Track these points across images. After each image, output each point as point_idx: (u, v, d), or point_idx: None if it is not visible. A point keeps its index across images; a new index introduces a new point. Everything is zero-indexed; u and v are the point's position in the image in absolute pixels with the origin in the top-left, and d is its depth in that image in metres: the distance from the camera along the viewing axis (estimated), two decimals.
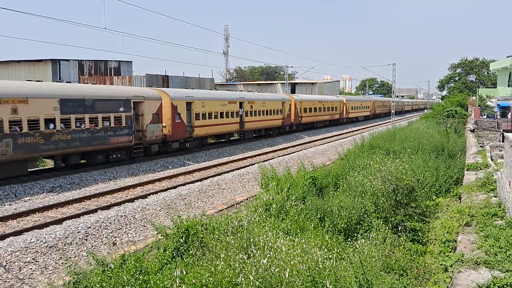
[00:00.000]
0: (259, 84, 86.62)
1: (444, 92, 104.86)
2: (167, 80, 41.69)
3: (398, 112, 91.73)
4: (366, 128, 58.58)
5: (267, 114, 39.14)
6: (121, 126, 23.39)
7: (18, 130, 18.78)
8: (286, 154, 32.06)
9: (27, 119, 18.97)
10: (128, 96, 23.93)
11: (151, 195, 18.65)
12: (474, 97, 53.53)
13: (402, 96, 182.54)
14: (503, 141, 19.06)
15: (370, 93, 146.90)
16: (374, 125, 62.82)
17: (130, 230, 14.93)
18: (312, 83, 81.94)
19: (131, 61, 55.01)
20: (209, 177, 22.82)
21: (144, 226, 15.33)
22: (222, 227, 9.91)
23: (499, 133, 32.50)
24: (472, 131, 33.00)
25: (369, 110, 75.63)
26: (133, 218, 15.70)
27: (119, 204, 17.20)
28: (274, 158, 30.13)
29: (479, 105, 44.83)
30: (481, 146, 25.45)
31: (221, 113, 32.70)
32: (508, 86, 60.00)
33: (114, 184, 21.05)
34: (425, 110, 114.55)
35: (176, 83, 42.57)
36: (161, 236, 10.43)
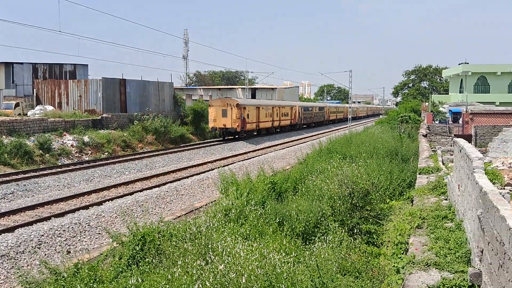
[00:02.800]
0: (219, 88, 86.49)
1: (399, 98, 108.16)
2: (124, 84, 40.90)
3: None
4: (325, 133, 59.59)
5: (284, 115, 53.90)
6: None
7: None
8: (247, 159, 32.12)
9: None
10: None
11: (107, 202, 18.20)
12: (427, 103, 55.43)
13: (359, 102, 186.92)
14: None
15: (328, 98, 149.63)
16: (333, 130, 63.97)
17: (84, 238, 14.53)
18: (272, 89, 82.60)
19: (87, 65, 53.69)
20: (167, 182, 22.51)
21: (99, 233, 14.95)
22: (180, 233, 9.80)
23: (450, 138, 33.80)
24: (425, 136, 34.13)
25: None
26: (88, 225, 15.29)
27: (73, 211, 16.70)
28: (235, 163, 30.11)
29: (431, 111, 46.45)
30: (433, 150, 26.38)
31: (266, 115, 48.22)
32: (460, 93, 62.60)
33: (69, 191, 20.44)
34: (380, 115, 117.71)
35: (133, 87, 41.84)
36: (117, 244, 10.21)
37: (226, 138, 42.69)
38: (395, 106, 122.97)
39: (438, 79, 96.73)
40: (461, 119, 41.73)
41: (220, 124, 41.45)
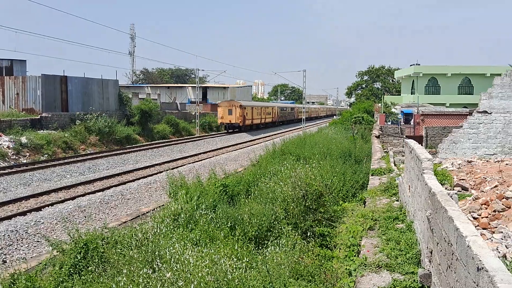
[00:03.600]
0: (168, 87, 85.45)
1: (352, 99, 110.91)
2: (65, 81, 39.56)
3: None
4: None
5: (268, 114, 68.49)
6: None
7: None
8: (197, 161, 31.99)
9: None
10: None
11: (46, 208, 17.56)
12: (379, 104, 57.09)
13: (313, 103, 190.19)
14: None
15: (282, 99, 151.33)
16: (286, 131, 64.79)
17: (22, 246, 13.95)
18: (224, 88, 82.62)
19: (25, 60, 51.48)
20: (112, 186, 22.02)
21: (38, 241, 14.39)
22: (125, 240, 9.61)
23: (402, 139, 35.01)
24: (378, 137, 35.19)
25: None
26: (26, 233, 14.69)
27: (9, 217, 15.99)
28: (185, 165, 29.90)
29: (384, 112, 47.90)
30: (385, 151, 27.26)
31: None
32: (411, 94, 64.96)
33: (4, 196, 19.55)
34: (334, 116, 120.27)
35: (75, 84, 40.57)
36: (57, 252, 9.87)
37: (229, 131, 57.76)
38: (348, 107, 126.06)
39: (390, 80, 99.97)
40: (412, 120, 43.26)
41: (226, 120, 57.33)
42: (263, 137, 52.77)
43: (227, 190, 16.31)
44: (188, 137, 49.48)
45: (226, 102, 58.63)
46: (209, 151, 38.45)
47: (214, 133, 56.77)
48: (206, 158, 33.52)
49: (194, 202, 13.40)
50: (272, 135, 56.82)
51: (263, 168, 20.30)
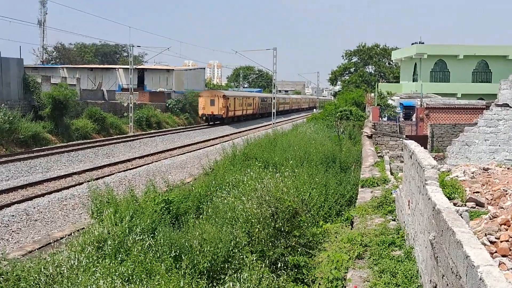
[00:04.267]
0: (91, 69, 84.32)
1: (338, 87, 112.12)
2: None
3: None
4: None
5: (249, 106, 79.31)
6: None
7: None
8: (131, 169, 31.74)
9: None
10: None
11: None
12: (372, 94, 57.95)
13: (286, 91, 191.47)
14: None
15: (245, 86, 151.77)
16: (270, 124, 65.28)
17: None
18: (168, 70, 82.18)
19: None
20: (13, 203, 21.60)
21: None
22: (31, 276, 9.45)
23: (401, 139, 35.68)
24: (370, 137, 35.79)
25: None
26: None
27: None
28: (113, 174, 29.63)
29: (378, 104, 48.66)
30: (380, 156, 27.78)
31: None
32: (413, 81, 66.27)
33: None
34: (315, 109, 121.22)
35: None
36: None
37: (211, 123, 68.57)
38: (332, 98, 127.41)
39: (386, 63, 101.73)
40: (414, 115, 44.16)
41: (208, 112, 67.29)
42: (249, 130, 62.21)
43: (171, 208, 16.23)
44: (119, 136, 49.01)
45: (208, 92, 69.28)
46: (148, 155, 38.22)
47: (172, 128, 56.50)
48: (143, 165, 33.31)
49: (126, 224, 13.28)
50: (257, 127, 68.24)
51: (219, 178, 20.31)
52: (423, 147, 11.36)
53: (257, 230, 13.29)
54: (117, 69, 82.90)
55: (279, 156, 24.03)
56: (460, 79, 63.80)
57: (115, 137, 48.17)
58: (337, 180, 19.85)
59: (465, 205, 14.48)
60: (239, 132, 60.87)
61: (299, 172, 19.59)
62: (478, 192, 16.21)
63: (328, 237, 13.28)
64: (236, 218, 14.13)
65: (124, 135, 50.23)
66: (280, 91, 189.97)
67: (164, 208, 15.87)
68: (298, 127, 41.96)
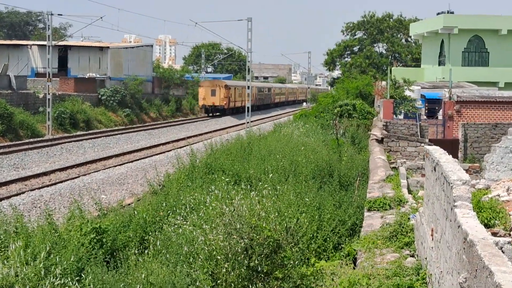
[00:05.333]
0: None
1: (336, 73, 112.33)
2: None
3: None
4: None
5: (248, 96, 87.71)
6: None
7: None
8: (48, 185, 31.45)
9: None
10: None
11: None
12: (384, 82, 57.93)
13: (266, 78, 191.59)
14: None
15: (209, 70, 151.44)
16: (269, 117, 65.42)
17: None
18: (101, 48, 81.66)
19: None
20: None
21: None
22: None
23: (423, 145, 35.80)
24: (380, 141, 35.89)
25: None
26: None
27: None
28: (23, 193, 29.30)
29: (392, 97, 48.80)
30: (393, 167, 27.90)
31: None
32: (440, 65, 66.52)
33: None
34: (304, 103, 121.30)
35: None
36: None
37: (210, 114, 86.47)
38: (329, 87, 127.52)
39: (403, 40, 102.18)
40: (441, 111, 44.38)
41: (209, 102, 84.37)
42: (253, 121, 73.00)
43: (105, 240, 16.14)
44: (32, 140, 48.55)
45: (208, 81, 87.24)
46: (73, 166, 37.92)
47: (108, 129, 56.08)
48: (65, 180, 33.04)
49: (41, 262, 13.16)
50: (262, 118, 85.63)
51: (172, 198, 20.26)
52: (452, 156, 11.44)
53: (224, 270, 13.27)
54: (29, 47, 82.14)
55: (256, 168, 24.02)
56: (503, 62, 63.75)
57: (27, 141, 47.72)
58: (335, 201, 19.91)
59: (509, 234, 14.61)
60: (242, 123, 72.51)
61: (282, 190, 19.61)
62: None
63: (322, 280, 13.32)
64: (195, 253, 14.10)
65: (39, 139, 49.78)
66: (257, 77, 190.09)
67: (95, 241, 15.77)
68: (281, 128, 42.03)
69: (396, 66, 76.99)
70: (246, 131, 42.11)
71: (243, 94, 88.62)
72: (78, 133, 56.08)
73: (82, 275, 13.35)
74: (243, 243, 13.58)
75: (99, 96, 68.84)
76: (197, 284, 12.98)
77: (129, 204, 26.07)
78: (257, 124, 67.45)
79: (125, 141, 53.01)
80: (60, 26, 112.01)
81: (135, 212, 19.05)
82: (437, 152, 11.52)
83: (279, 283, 13.40)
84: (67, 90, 67.40)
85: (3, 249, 15.19)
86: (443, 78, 57.06)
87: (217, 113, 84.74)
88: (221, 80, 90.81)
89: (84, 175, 35.15)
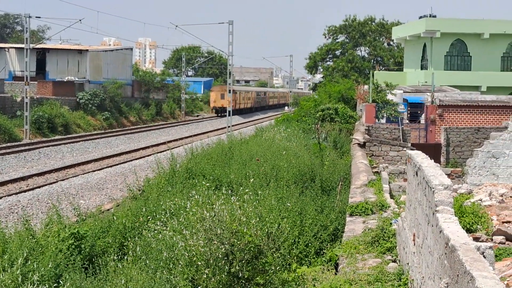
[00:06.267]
0: None
1: (318, 76, 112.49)
2: None
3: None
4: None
5: (249, 99, 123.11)
6: None
7: None
8: (25, 191, 31.31)
9: None
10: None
11: None
12: (366, 86, 58.11)
13: (247, 82, 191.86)
14: None
15: (190, 73, 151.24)
16: (267, 117, 65.39)
17: None
18: (80, 51, 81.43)
19: None
20: None
21: None
22: None
23: (405, 149, 35.97)
24: (363, 145, 35.95)
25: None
26: None
27: None
28: (1, 198, 29.14)
29: (374, 101, 48.98)
30: (376, 172, 28.00)
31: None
32: (422, 69, 66.86)
33: None
34: (286, 107, 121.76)
35: None
36: None
37: (219, 115, 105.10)
38: (311, 91, 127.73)
39: (385, 44, 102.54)
40: (423, 115, 44.59)
41: (219, 104, 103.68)
42: (256, 120, 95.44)
43: (83, 246, 16.09)
44: (10, 144, 48.28)
45: (218, 86, 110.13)
46: (51, 171, 37.76)
47: (86, 134, 55.87)
48: (43, 185, 32.91)
49: (18, 269, 13.11)
50: (263, 118, 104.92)
51: (151, 204, 20.23)
52: (434, 160, 11.50)
53: (204, 276, 13.26)
54: (6, 49, 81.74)
55: (237, 173, 24.03)
56: (485, 66, 64.15)
57: (4, 145, 47.46)
58: (317, 205, 19.92)
59: (491, 239, 14.69)
60: (247, 122, 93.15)
61: (264, 195, 19.61)
62: (510, 222, 16.49)
63: (304, 286, 13.35)
64: (175, 259, 14.08)
65: (16, 143, 49.53)
66: (238, 81, 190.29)
67: (74, 246, 15.71)
68: (263, 131, 42.03)
69: (378, 70, 77.47)
70: (227, 135, 42.06)
71: (246, 97, 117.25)
72: (56, 137, 55.88)
73: (60, 281, 13.31)
74: (223, 249, 13.57)
75: (78, 99, 68.62)
76: None
77: (108, 210, 25.99)
78: (259, 123, 73.47)
79: (104, 146, 52.86)
80: (38, 28, 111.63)
81: (114, 218, 18.98)
82: (419, 157, 11.58)
83: None
84: (45, 93, 67.15)
85: None
86: (426, 82, 57.48)
87: (225, 114, 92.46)
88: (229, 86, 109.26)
89: (63, 180, 35.01)
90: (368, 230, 15.16)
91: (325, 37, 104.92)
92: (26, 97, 54.37)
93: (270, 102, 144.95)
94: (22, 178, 34.94)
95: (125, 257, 15.60)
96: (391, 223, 15.00)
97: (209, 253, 13.59)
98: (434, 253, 7.92)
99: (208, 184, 21.47)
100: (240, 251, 13.52)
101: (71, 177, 35.93)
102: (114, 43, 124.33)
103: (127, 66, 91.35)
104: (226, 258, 13.51)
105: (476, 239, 13.68)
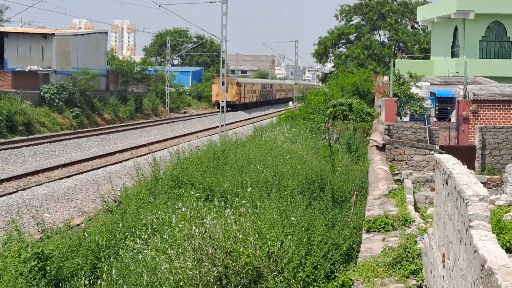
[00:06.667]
0: None
1: (329, 66, 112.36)
2: None
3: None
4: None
5: (255, 92, 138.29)
6: None
7: None
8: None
9: None
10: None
11: None
12: (386, 78, 58.09)
13: (244, 72, 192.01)
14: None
15: (175, 62, 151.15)
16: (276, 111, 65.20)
17: None
18: (45, 36, 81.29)
19: None
20: None
21: None
22: None
23: (432, 153, 35.86)
24: (382, 148, 35.91)
25: None
26: None
27: None
28: None
29: (396, 95, 48.94)
30: (397, 179, 27.95)
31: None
32: (452, 57, 66.67)
33: None
34: (291, 102, 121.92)
35: None
36: None
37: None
38: (320, 83, 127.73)
39: (408, 27, 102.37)
40: (454, 112, 44.55)
41: (222, 98, 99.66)
42: (265, 115, 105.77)
43: (49, 268, 16.07)
44: None
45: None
46: (9, 179, 37.72)
47: (53, 134, 55.81)
48: (0, 196, 32.82)
49: None
50: (272, 113, 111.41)
51: (130, 218, 20.20)
52: (467, 166, 11.47)
53: None
54: None
55: (231, 181, 24.00)
56: None
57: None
58: (327, 220, 19.91)
59: None
60: (252, 118, 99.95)
61: (264, 207, 19.60)
62: None
63: None
64: (158, 284, 14.08)
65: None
66: (233, 71, 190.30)
67: (37, 269, 15.71)
68: (262, 131, 42.04)
69: (401, 58, 77.35)
70: (221, 136, 42.07)
71: (251, 90, 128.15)
72: (16, 138, 55.84)
73: None
74: (216, 272, 13.59)
75: (42, 93, 68.51)
76: None
77: (78, 225, 26.00)
78: (263, 120, 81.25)
79: (73, 148, 52.81)
80: None
81: (86, 234, 18.97)
82: (450, 162, 11.56)
83: None
84: (2, 86, 67.06)
85: None
86: (457, 72, 57.31)
87: (229, 109, 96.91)
88: (233, 78, 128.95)
89: (24, 189, 34.94)
90: (389, 249, 15.13)
91: (337, 18, 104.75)
92: None
93: (277, 95, 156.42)
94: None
95: (99, 282, 15.60)
96: (416, 241, 14.98)
97: (198, 277, 13.59)
98: (467, 277, 7.91)
99: (197, 195, 21.52)
100: (236, 274, 13.54)
101: (34, 186, 35.85)
102: (86, 26, 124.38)
103: (101, 54, 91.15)
104: (219, 282, 13.53)
105: None
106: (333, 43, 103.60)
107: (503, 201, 23.11)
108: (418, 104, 46.14)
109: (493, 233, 7.95)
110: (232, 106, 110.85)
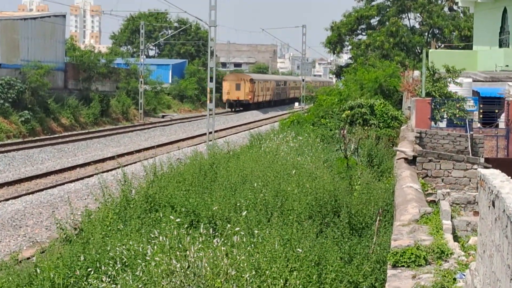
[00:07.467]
0: None
1: (345, 57, 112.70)
2: None
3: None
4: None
5: (268, 90, 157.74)
6: None
7: None
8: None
9: None
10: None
11: None
12: (417, 72, 58.24)
13: (239, 65, 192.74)
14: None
15: (151, 53, 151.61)
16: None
17: None
18: None
19: None
20: None
21: None
22: None
23: (476, 167, 35.85)
24: (412, 161, 36.01)
25: None
26: None
27: None
28: None
29: (429, 94, 49.01)
30: (432, 201, 28.01)
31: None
32: (501, 46, 66.69)
33: None
34: (297, 103, 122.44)
35: None
36: None
37: (235, 109, 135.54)
38: (334, 79, 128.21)
39: (445, 9, 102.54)
40: (503, 116, 44.60)
41: (233, 97, 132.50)
42: (282, 115, 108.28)
43: None
44: None
45: (233, 75, 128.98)
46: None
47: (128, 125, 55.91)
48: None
49: None
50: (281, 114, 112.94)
51: (94, 249, 20.23)
52: None
53: None
54: None
55: (222, 202, 24.03)
56: None
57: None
58: (343, 252, 19.96)
59: None
60: (269, 118, 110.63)
61: (263, 236, 19.63)
62: None
63: None
64: None
65: None
66: (224, 64, 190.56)
67: None
68: (261, 139, 42.14)
69: (436, 48, 77.24)
70: (208, 147, 42.16)
71: (265, 88, 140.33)
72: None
73: None
74: None
75: None
76: None
77: (28, 258, 26.02)
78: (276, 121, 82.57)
79: (22, 162, 52.89)
80: None
81: (38, 271, 19.00)
82: (497, 179, 11.57)
83: None
84: None
85: None
86: (507, 65, 57.37)
87: (241, 108, 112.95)
88: (246, 74, 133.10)
89: None
90: (421, 287, 15.17)
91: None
92: None
93: (291, 94, 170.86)
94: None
95: None
96: (455, 279, 15.01)
97: None
98: None
99: (178, 220, 21.55)
100: None
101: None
102: (38, 8, 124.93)
103: (58, 43, 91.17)
104: None
105: None
106: (349, 29, 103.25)
107: None
108: (458, 105, 46.10)
109: None
110: (244, 106, 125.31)
